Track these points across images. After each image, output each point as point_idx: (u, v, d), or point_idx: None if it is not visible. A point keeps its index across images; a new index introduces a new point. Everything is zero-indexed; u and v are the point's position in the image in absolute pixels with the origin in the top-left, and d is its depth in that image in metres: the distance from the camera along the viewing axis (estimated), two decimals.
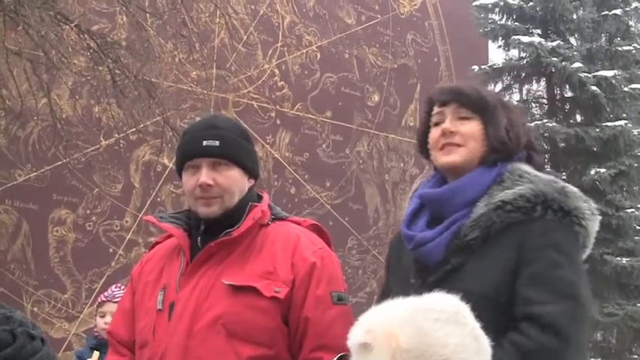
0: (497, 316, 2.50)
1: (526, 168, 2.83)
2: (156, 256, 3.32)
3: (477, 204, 2.76)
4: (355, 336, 2.10)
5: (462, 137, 2.87)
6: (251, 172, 3.19)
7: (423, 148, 3.06)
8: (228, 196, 3.08)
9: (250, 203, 3.14)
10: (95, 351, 5.42)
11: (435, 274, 2.74)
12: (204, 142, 3.06)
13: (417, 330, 2.01)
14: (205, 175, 3.04)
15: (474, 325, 2.10)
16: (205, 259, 3.06)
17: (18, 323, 2.24)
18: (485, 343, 2.09)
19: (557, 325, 2.47)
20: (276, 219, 3.23)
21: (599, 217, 2.81)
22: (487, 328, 2.14)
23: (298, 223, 3.28)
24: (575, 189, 2.78)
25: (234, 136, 3.12)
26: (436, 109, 2.99)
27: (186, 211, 3.31)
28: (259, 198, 3.25)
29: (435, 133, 2.96)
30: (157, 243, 3.43)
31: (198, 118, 13.23)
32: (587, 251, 2.83)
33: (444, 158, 2.91)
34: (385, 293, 3.01)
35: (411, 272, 2.86)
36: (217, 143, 3.05)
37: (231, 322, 2.93)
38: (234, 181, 3.10)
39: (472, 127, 2.87)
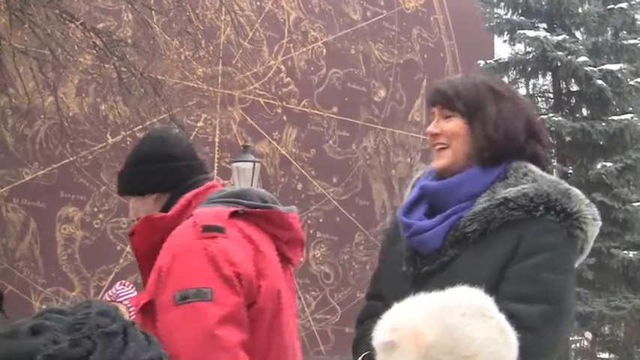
0: None
1: (531, 167, 2.80)
2: None
3: (478, 199, 2.75)
4: (380, 335, 2.08)
5: (446, 137, 2.86)
6: (152, 190, 3.19)
7: None
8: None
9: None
10: None
11: (431, 264, 2.75)
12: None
13: (444, 326, 2.00)
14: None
15: (500, 318, 2.08)
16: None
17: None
18: (511, 335, 2.08)
19: (535, 326, 2.52)
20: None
21: (599, 224, 2.78)
22: None
23: (193, 216, 3.06)
24: (578, 192, 2.76)
25: (127, 167, 3.25)
26: (431, 109, 2.99)
27: None
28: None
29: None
30: None
31: (204, 116, 13.14)
32: (583, 257, 2.81)
33: (435, 163, 2.92)
34: (376, 280, 3.05)
35: (403, 260, 2.85)
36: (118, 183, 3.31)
37: None
38: (137, 209, 3.22)
39: (454, 126, 2.85)
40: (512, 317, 2.29)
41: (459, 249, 2.71)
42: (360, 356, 2.67)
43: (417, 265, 2.79)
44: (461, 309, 2.03)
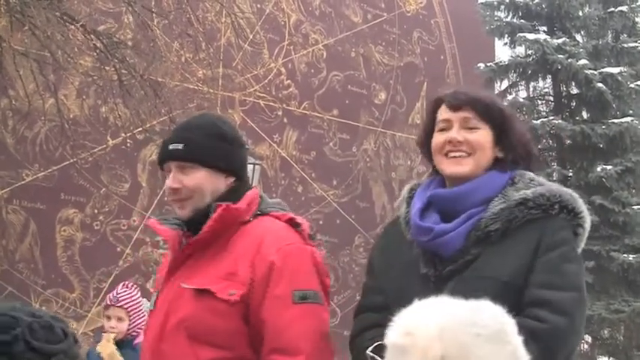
0: (516, 298, 2.72)
1: (531, 175, 3.03)
2: (167, 253, 3.34)
3: (491, 202, 2.92)
4: (393, 335, 2.04)
5: (469, 146, 2.98)
6: (227, 170, 3.14)
7: (425, 148, 3.14)
8: (199, 197, 3.06)
9: (216, 203, 3.07)
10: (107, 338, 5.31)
11: (454, 263, 2.86)
12: (170, 146, 3.09)
13: (457, 343, 1.94)
14: (171, 179, 3.07)
15: (517, 344, 2.02)
16: (182, 261, 3.08)
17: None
18: None
19: (567, 309, 2.75)
20: (261, 214, 3.15)
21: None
22: (508, 311, 2.15)
23: (278, 218, 3.16)
24: (575, 194, 3.03)
25: (203, 136, 3.10)
26: (443, 115, 3.04)
27: None
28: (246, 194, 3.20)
29: (439, 138, 3.02)
30: None
31: None
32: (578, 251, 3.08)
33: (452, 168, 2.99)
34: (378, 291, 3.06)
35: (421, 263, 2.93)
36: (181, 146, 3.06)
37: (192, 325, 2.94)
38: (203, 182, 3.07)
39: (481, 137, 2.99)
40: (546, 303, 2.70)
41: (481, 248, 2.85)
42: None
43: (438, 266, 2.89)
44: (477, 329, 1.96)
